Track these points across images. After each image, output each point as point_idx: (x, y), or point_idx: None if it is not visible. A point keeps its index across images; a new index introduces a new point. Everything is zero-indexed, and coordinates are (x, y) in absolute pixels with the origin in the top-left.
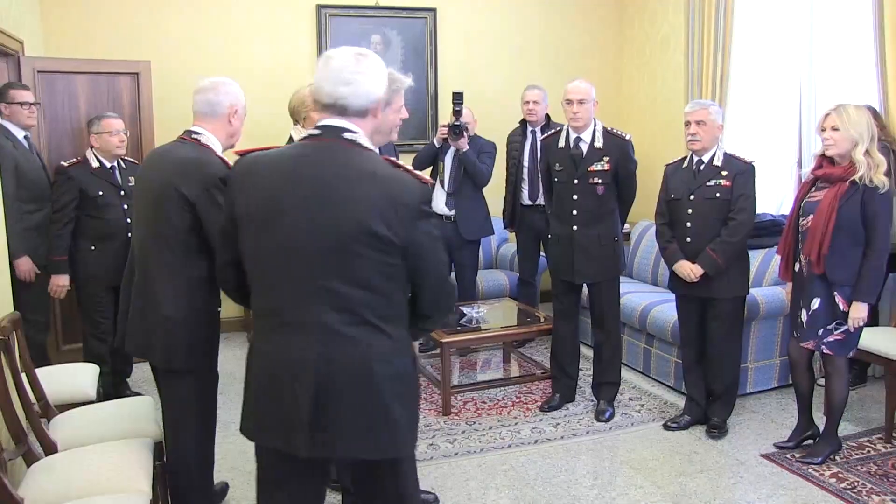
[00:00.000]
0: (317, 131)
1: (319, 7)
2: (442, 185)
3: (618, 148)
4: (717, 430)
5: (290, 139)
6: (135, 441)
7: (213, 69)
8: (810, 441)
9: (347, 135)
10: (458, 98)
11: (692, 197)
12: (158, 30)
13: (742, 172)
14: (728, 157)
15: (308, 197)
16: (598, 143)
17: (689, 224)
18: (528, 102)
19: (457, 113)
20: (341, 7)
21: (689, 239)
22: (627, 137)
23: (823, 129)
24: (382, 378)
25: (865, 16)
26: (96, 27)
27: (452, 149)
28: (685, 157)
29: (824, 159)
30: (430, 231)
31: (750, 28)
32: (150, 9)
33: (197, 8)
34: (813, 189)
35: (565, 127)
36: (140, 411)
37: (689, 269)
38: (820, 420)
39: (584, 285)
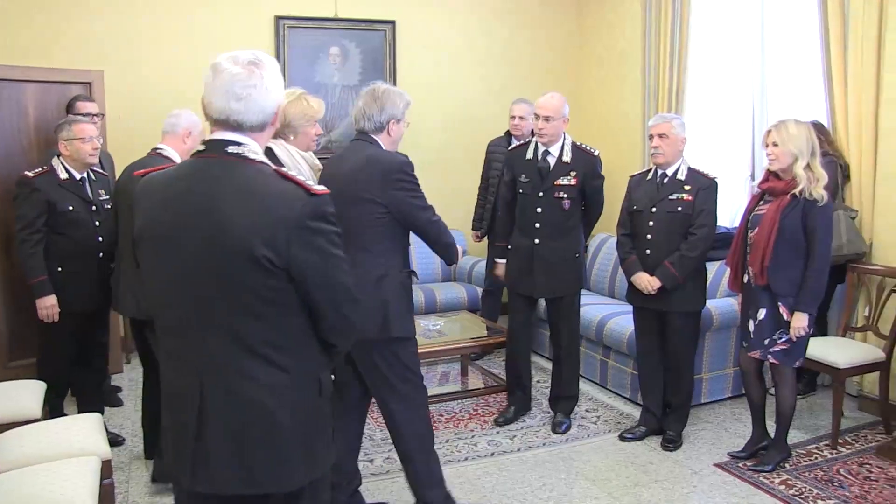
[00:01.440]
0: (202, 147)
1: (278, 18)
2: None
3: (585, 163)
4: (672, 443)
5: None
6: (81, 460)
7: (170, 80)
8: (763, 450)
9: (232, 148)
10: None
11: (654, 209)
12: (114, 39)
13: (705, 188)
14: (692, 172)
15: (187, 219)
16: (567, 158)
17: (649, 236)
18: (514, 117)
19: None
20: (300, 18)
21: (648, 251)
22: (596, 153)
23: (766, 145)
24: (267, 411)
25: (813, 35)
26: (48, 35)
27: None
28: (650, 170)
29: (771, 173)
30: (320, 248)
31: (705, 44)
32: (105, 18)
33: (154, 18)
34: (761, 202)
35: (534, 139)
36: (87, 429)
37: (647, 282)
38: (773, 429)
39: (542, 299)
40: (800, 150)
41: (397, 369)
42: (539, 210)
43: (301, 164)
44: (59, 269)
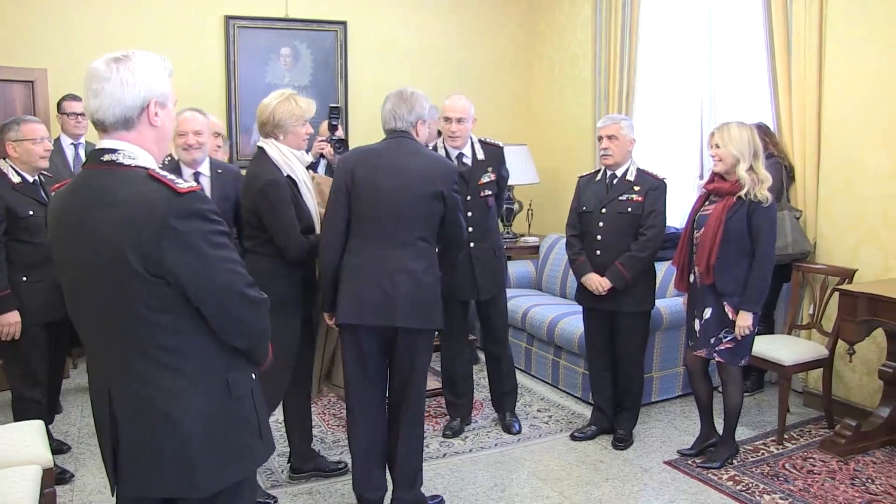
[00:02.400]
0: (85, 158)
1: (228, 18)
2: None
3: (496, 157)
4: (623, 441)
5: (262, 154)
6: (21, 469)
7: None
8: (712, 447)
9: (106, 157)
10: (335, 112)
11: (603, 210)
12: (58, 37)
13: (655, 188)
14: (641, 173)
15: (68, 234)
16: (480, 155)
17: (599, 237)
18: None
19: (333, 127)
20: (250, 18)
21: (598, 252)
22: (501, 145)
23: (710, 147)
24: (169, 417)
25: (759, 40)
26: None
27: (324, 162)
28: (598, 171)
29: (716, 174)
30: (193, 248)
31: (654, 46)
32: (49, 16)
33: (100, 17)
34: (707, 203)
35: (440, 144)
36: (29, 437)
37: (598, 283)
38: (721, 426)
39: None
40: (741, 153)
41: (427, 357)
42: (470, 214)
43: (293, 162)
44: (24, 278)
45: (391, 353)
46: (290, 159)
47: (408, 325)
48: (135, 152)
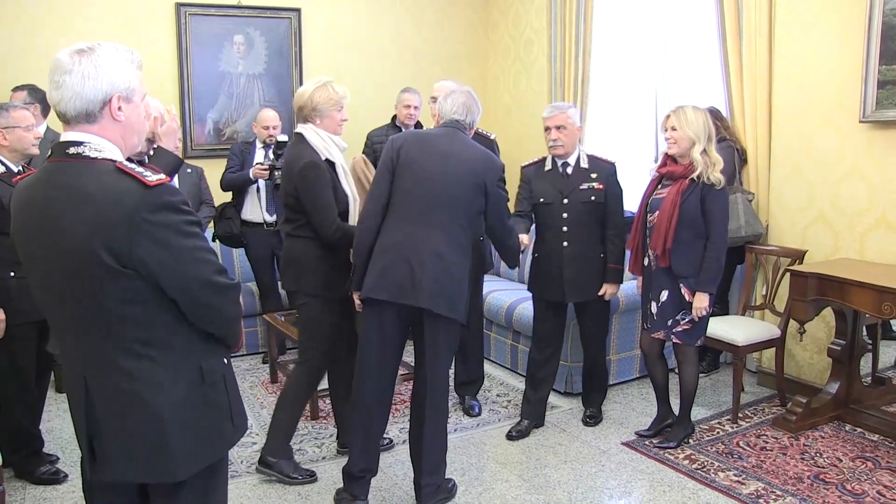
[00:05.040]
0: (49, 151)
1: (179, 6)
2: (259, 202)
3: (484, 146)
4: (594, 418)
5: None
6: None
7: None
8: (669, 428)
9: (72, 149)
10: (282, 146)
11: (566, 201)
12: (8, 27)
13: (612, 173)
14: (592, 159)
15: (34, 228)
16: None
17: (565, 228)
18: (409, 106)
19: (279, 155)
20: (202, 6)
21: (566, 243)
22: (492, 137)
23: (665, 129)
24: (145, 405)
25: (711, 26)
26: None
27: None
28: (544, 159)
29: (669, 158)
30: (164, 241)
31: (608, 33)
32: None
33: (46, 5)
34: (659, 186)
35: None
36: None
37: (525, 240)
38: (678, 406)
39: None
40: (697, 135)
41: (450, 349)
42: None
43: (331, 147)
44: (12, 273)
45: (416, 338)
46: (328, 144)
47: (430, 307)
48: (101, 144)
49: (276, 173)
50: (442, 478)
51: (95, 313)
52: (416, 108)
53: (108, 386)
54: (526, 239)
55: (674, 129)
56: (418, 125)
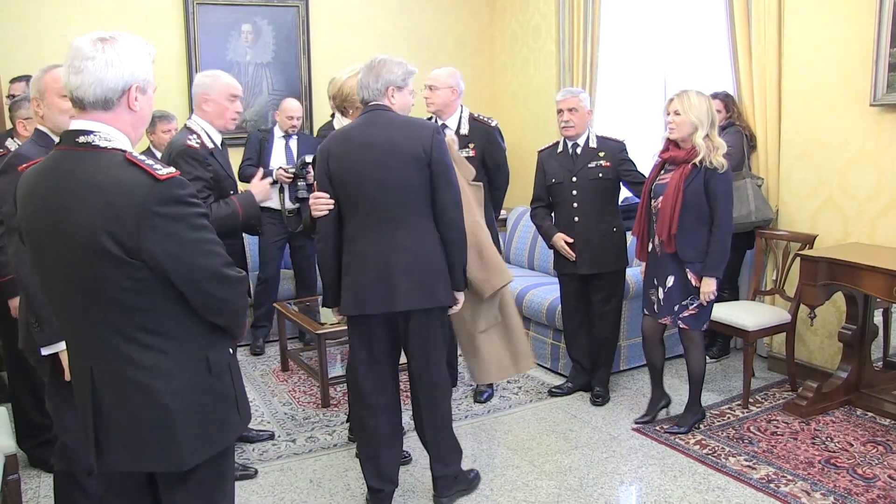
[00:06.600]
0: (58, 139)
1: None
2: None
3: (483, 134)
4: (601, 397)
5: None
6: None
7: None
8: (664, 411)
9: (81, 138)
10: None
11: (575, 179)
12: (5, 17)
13: (619, 151)
14: (601, 139)
15: (42, 216)
16: (464, 130)
17: (575, 205)
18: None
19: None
20: None
21: (577, 219)
22: (493, 124)
23: (668, 114)
24: (154, 394)
25: (720, 9)
26: None
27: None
28: (557, 142)
29: (671, 142)
30: (174, 234)
31: (616, 17)
32: None
33: None
34: (662, 172)
35: (433, 117)
36: None
37: (564, 243)
38: (676, 392)
39: None
40: (700, 120)
41: (439, 334)
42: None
43: None
44: None
45: (403, 337)
46: None
47: (407, 306)
48: (111, 134)
49: (301, 183)
50: (458, 468)
51: (102, 303)
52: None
53: (114, 375)
54: (562, 243)
55: (677, 113)
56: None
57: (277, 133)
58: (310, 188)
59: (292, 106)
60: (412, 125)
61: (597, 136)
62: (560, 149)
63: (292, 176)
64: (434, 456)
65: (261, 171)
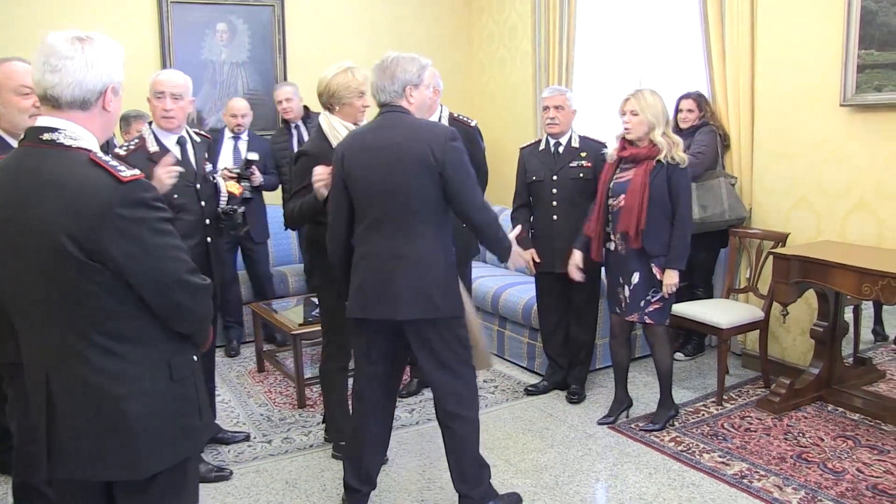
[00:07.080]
0: (22, 135)
1: None
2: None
3: (464, 134)
4: (577, 395)
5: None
6: None
7: None
8: (625, 413)
9: (46, 135)
10: (251, 165)
11: (555, 178)
12: None
13: (602, 152)
14: (584, 139)
15: (5, 214)
16: None
17: (554, 203)
18: (281, 101)
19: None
20: None
21: (555, 217)
22: (473, 124)
23: (624, 114)
24: (113, 400)
25: (694, 11)
26: None
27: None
28: (539, 140)
29: (626, 142)
30: (136, 237)
31: (592, 17)
32: None
33: None
34: (618, 170)
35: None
36: None
37: (531, 258)
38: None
39: None
40: (656, 119)
41: (454, 346)
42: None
43: (341, 134)
44: None
45: (411, 349)
46: (338, 131)
47: (407, 316)
48: (78, 133)
49: (245, 183)
50: (485, 489)
51: (63, 304)
52: (287, 100)
53: (72, 380)
54: (517, 232)
55: (634, 113)
56: (307, 113)
57: (227, 133)
58: (253, 190)
59: (237, 105)
60: (424, 129)
61: (579, 137)
62: (542, 146)
63: (236, 176)
64: (458, 477)
65: (169, 156)
